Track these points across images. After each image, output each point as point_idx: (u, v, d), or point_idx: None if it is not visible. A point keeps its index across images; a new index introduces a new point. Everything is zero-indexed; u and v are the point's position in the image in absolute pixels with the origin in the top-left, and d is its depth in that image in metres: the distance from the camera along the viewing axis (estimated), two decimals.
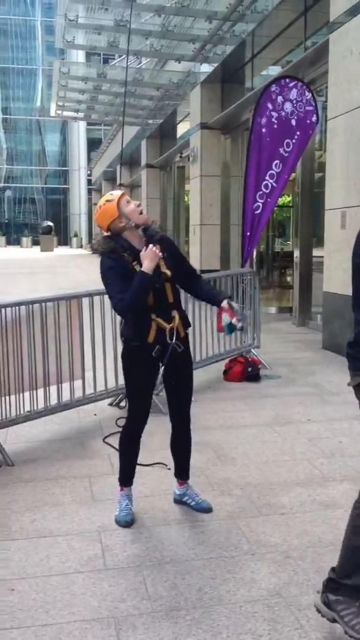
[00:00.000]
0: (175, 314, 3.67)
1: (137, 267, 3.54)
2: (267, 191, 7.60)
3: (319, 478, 4.40)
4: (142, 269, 3.49)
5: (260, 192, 7.57)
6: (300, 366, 7.77)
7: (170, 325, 3.62)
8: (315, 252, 10.81)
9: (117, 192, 3.69)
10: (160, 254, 3.54)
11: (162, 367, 3.74)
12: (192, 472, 4.31)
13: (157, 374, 3.77)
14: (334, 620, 2.70)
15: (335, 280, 8.50)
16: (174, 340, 3.62)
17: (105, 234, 3.68)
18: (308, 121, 7.98)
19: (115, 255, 3.60)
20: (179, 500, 3.97)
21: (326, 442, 5.10)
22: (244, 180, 7.75)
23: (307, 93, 7.99)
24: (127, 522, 3.71)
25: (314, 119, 8.01)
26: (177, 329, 3.65)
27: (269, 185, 7.61)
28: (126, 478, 3.86)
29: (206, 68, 14.72)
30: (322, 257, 9.36)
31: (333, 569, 2.77)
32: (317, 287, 10.19)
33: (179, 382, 3.82)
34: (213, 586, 3.08)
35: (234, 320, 3.65)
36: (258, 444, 5.09)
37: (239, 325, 3.67)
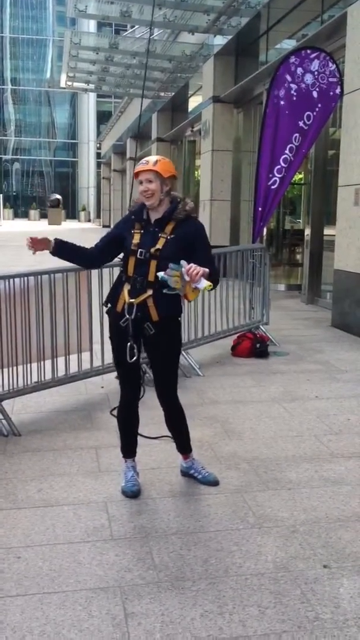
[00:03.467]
0: (149, 292, 3.53)
1: (136, 236, 3.56)
2: (286, 165, 7.43)
3: (326, 454, 4.38)
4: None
5: (279, 167, 7.40)
6: (309, 343, 7.73)
7: (132, 300, 3.55)
8: (326, 231, 10.72)
9: (148, 161, 3.60)
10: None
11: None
12: (199, 446, 4.32)
13: (130, 344, 3.61)
14: None
15: (347, 258, 8.42)
16: (132, 316, 3.55)
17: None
18: (331, 93, 7.80)
19: (128, 217, 3.69)
20: (185, 473, 3.96)
21: (334, 419, 5.08)
22: (258, 154, 7.62)
23: (330, 64, 7.81)
24: (133, 492, 3.70)
25: (337, 90, 7.83)
26: (148, 312, 3.55)
27: (288, 159, 7.43)
28: (126, 449, 3.86)
29: (220, 40, 14.45)
30: (332, 235, 9.28)
31: None
32: (328, 265, 10.12)
33: (153, 363, 3.81)
34: (219, 558, 3.08)
35: (161, 274, 3.34)
36: (265, 419, 5.07)
37: (162, 275, 3.31)
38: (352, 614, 2.66)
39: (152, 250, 3.52)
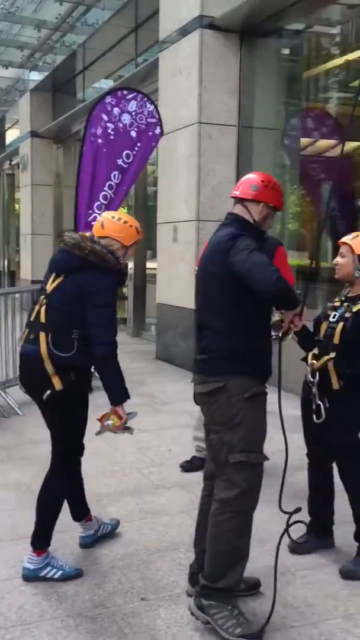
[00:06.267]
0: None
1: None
2: (106, 202, 7.53)
3: (148, 486, 4.43)
4: None
5: (98, 203, 7.48)
6: (133, 376, 7.79)
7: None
8: (149, 264, 11.00)
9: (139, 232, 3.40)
10: None
11: None
12: (17, 487, 4.19)
13: None
14: (207, 623, 2.75)
15: (168, 292, 8.67)
16: None
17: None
18: (150, 133, 7.99)
19: None
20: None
21: (156, 451, 5.16)
22: (76, 190, 7.67)
23: (148, 105, 8.00)
24: None
25: (157, 131, 8.06)
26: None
27: (108, 196, 7.53)
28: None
29: (36, 76, 14.51)
30: (155, 269, 9.53)
31: (204, 576, 2.79)
32: (152, 299, 10.36)
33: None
34: (34, 602, 2.99)
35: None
36: (88, 455, 4.91)
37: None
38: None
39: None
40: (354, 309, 3.23)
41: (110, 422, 3.20)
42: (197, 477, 4.50)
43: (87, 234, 3.32)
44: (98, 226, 3.32)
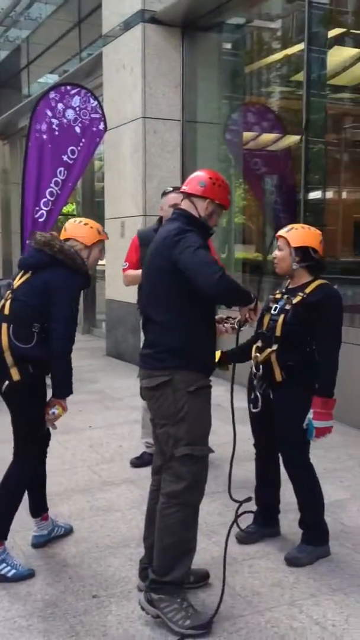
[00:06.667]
0: None
1: None
2: (52, 198, 7.50)
3: (99, 483, 4.46)
4: None
5: (45, 200, 7.44)
6: (84, 374, 7.81)
7: None
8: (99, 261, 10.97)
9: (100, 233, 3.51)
10: None
11: None
12: None
13: None
14: (157, 617, 2.79)
15: (118, 288, 8.67)
16: None
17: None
18: (95, 129, 7.97)
19: None
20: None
21: (107, 447, 5.18)
22: (22, 187, 7.62)
23: (92, 100, 7.97)
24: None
25: (101, 126, 8.02)
26: None
27: (54, 192, 7.50)
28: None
29: None
30: (104, 265, 9.52)
31: (153, 570, 2.84)
32: (101, 295, 10.35)
33: None
34: None
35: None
36: None
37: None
38: (119, 639, 2.73)
39: None
40: (294, 301, 3.31)
41: (55, 411, 3.33)
42: (147, 472, 4.52)
43: (55, 234, 3.45)
44: (62, 231, 3.49)
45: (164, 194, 4.61)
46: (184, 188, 3.03)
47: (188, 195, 2.99)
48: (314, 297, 3.27)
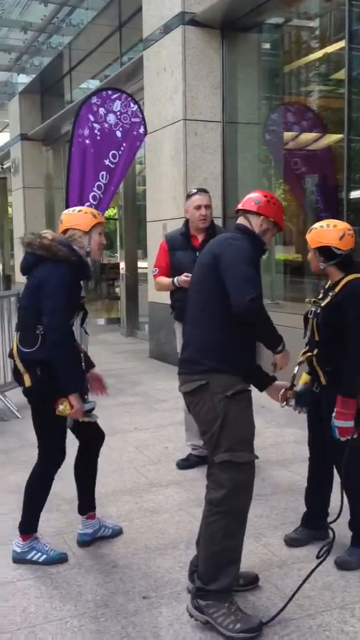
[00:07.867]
0: None
1: None
2: (95, 202, 7.58)
3: (145, 484, 4.49)
4: None
5: (88, 204, 7.52)
6: (128, 376, 7.88)
7: None
8: (140, 264, 11.03)
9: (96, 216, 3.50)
10: None
11: None
12: (18, 491, 4.22)
13: None
14: (207, 622, 2.79)
15: (159, 291, 8.69)
16: None
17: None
18: (135, 132, 8.04)
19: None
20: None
21: (152, 449, 5.21)
22: (65, 192, 7.72)
23: (132, 105, 8.05)
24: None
25: (141, 130, 8.09)
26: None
27: (97, 196, 7.59)
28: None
29: (24, 79, 14.50)
30: (147, 268, 9.57)
31: (198, 576, 2.84)
32: (144, 297, 10.40)
33: None
34: (38, 605, 3.04)
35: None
36: None
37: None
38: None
39: None
40: (323, 303, 3.28)
41: (61, 407, 3.30)
42: (193, 474, 4.60)
43: (46, 231, 3.49)
44: (59, 223, 3.52)
45: (189, 196, 4.59)
46: (239, 206, 3.07)
47: (244, 212, 3.03)
48: (339, 295, 3.23)
